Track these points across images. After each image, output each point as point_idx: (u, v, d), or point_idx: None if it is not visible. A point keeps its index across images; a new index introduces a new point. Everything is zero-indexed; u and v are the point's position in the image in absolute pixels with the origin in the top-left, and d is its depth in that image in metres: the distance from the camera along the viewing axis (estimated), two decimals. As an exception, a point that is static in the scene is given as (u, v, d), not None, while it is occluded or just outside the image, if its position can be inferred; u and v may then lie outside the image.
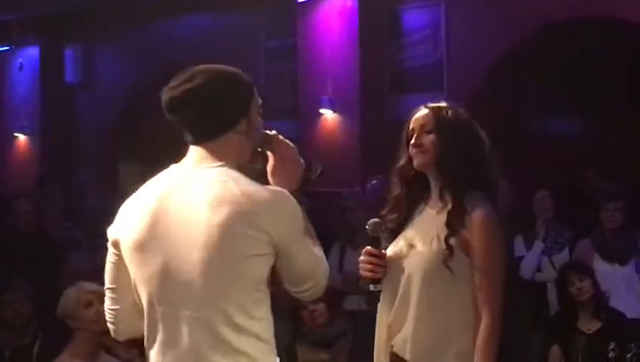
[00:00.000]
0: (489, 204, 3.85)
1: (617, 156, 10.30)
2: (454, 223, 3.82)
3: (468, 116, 4.03)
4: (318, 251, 3.32)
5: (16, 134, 14.03)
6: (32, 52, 13.98)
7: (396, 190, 4.06)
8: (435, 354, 3.85)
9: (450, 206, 3.87)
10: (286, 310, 7.06)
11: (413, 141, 3.94)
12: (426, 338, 3.83)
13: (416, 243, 3.91)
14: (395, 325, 3.93)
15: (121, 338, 3.50)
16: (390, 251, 3.97)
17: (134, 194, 3.33)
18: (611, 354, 6.37)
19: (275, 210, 3.16)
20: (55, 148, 13.56)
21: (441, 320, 3.83)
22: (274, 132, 3.41)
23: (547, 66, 10.30)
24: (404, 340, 3.88)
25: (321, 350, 6.63)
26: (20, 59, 14.11)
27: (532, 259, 8.11)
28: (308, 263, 3.27)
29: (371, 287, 3.93)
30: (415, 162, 3.96)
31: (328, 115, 10.78)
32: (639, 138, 10.76)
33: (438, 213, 3.93)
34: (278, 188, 3.27)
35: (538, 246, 8.12)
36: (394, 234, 4.00)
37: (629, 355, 6.38)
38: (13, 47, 13.97)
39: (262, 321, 3.24)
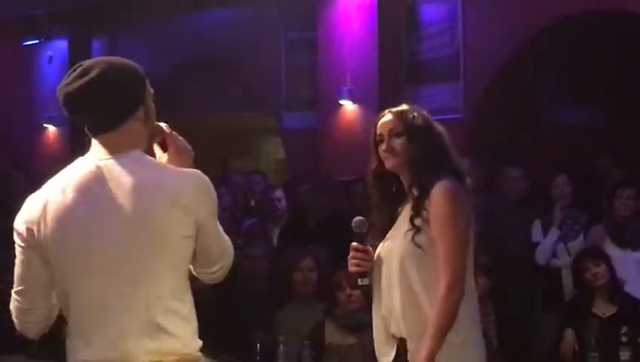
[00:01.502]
0: (450, 179, 4.02)
1: (630, 145, 10.27)
2: (418, 205, 3.98)
3: (427, 115, 4.21)
4: (224, 234, 3.32)
5: (45, 125, 14.09)
6: (61, 45, 14.02)
7: (374, 194, 4.21)
8: (425, 329, 3.92)
9: (413, 197, 4.04)
10: (312, 294, 7.10)
11: (384, 146, 4.10)
12: (414, 314, 3.98)
13: (395, 238, 4.07)
14: (388, 314, 4.05)
15: (33, 336, 3.40)
16: (378, 250, 4.13)
17: (41, 190, 3.25)
18: (624, 339, 6.35)
19: (197, 190, 3.17)
20: (83, 138, 13.54)
21: (423, 297, 3.94)
22: (164, 124, 3.39)
23: (562, 57, 10.25)
24: (396, 321, 4.04)
25: (350, 334, 6.62)
26: (49, 52, 14.15)
27: (548, 245, 8.09)
28: (220, 244, 3.27)
29: (359, 281, 4.13)
30: (387, 165, 4.12)
31: (348, 106, 10.77)
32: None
33: (409, 205, 4.08)
34: (195, 170, 3.25)
35: (554, 233, 8.09)
36: (383, 234, 4.15)
37: (641, 339, 6.36)
38: (42, 40, 14.00)
39: (189, 303, 3.23)
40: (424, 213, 3.97)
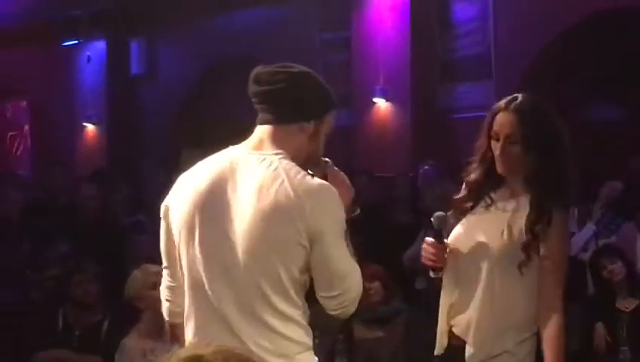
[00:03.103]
0: (566, 213, 3.78)
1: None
2: (535, 223, 3.70)
3: (557, 118, 3.79)
4: (355, 263, 3.22)
5: (84, 124, 14.14)
6: (99, 46, 14.06)
7: (475, 175, 3.89)
8: (495, 341, 3.81)
9: (528, 208, 3.74)
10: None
11: (498, 150, 3.73)
12: (489, 324, 3.77)
13: (482, 234, 3.81)
14: (457, 306, 3.89)
15: (174, 319, 3.43)
16: (454, 238, 3.89)
17: (189, 171, 3.30)
18: (656, 332, 6.31)
19: (320, 203, 3.11)
20: (121, 136, 13.67)
21: (504, 309, 3.77)
22: (327, 159, 3.38)
23: (591, 54, 10.18)
24: (467, 324, 3.83)
25: (377, 327, 6.61)
26: (87, 53, 14.19)
27: (581, 239, 8.03)
28: (341, 265, 3.16)
29: (432, 274, 3.87)
30: (499, 169, 3.78)
31: (381, 104, 10.76)
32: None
33: (509, 209, 3.81)
34: (326, 182, 3.21)
35: (590, 229, 8.04)
36: (464, 213, 3.91)
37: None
38: (81, 41, 14.05)
39: (301, 307, 3.19)
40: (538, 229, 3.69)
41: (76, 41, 14.06)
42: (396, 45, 10.65)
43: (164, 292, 3.42)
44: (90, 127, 14.13)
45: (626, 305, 6.76)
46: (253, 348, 3.07)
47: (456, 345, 3.87)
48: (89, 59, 14.17)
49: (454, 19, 10.60)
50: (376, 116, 10.81)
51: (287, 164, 3.16)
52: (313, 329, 6.64)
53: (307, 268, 3.16)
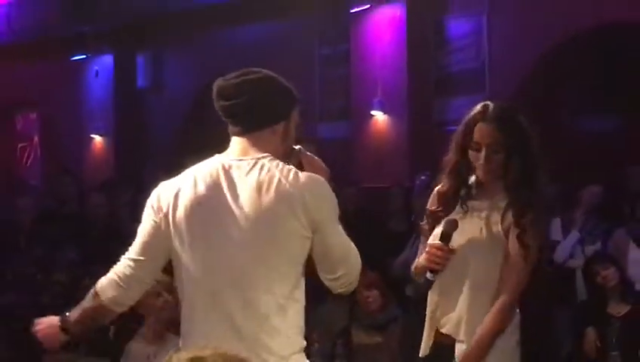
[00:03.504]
0: (537, 208, 3.81)
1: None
2: (507, 218, 3.80)
3: (528, 126, 3.87)
4: (351, 243, 3.32)
5: (92, 135, 14.19)
6: (107, 60, 14.13)
7: (446, 185, 3.97)
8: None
9: (504, 207, 3.83)
10: (341, 296, 7.09)
11: (482, 161, 3.80)
12: (480, 319, 3.83)
13: (463, 237, 3.87)
14: (444, 308, 3.92)
15: (112, 306, 3.41)
16: (436, 234, 3.93)
17: (176, 178, 3.33)
18: (646, 338, 6.33)
19: (316, 194, 3.21)
20: (128, 147, 13.71)
21: (491, 301, 3.83)
22: (299, 146, 3.45)
23: (581, 67, 10.24)
24: (457, 321, 3.89)
25: (375, 333, 6.65)
26: (95, 67, 14.26)
27: (566, 247, 8.07)
28: (342, 248, 3.28)
29: (429, 276, 3.90)
30: (482, 177, 3.87)
31: (379, 117, 10.78)
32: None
33: (484, 209, 3.89)
34: (316, 175, 3.30)
35: (574, 235, 8.08)
36: (438, 222, 3.96)
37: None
38: (89, 55, 14.12)
39: (298, 303, 3.27)
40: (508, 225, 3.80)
41: (84, 56, 14.11)
42: (393, 60, 10.68)
43: (121, 279, 3.34)
44: (97, 139, 14.18)
45: (618, 310, 6.79)
46: (253, 345, 3.12)
47: (443, 344, 3.91)
48: (97, 73, 14.23)
49: (449, 35, 10.65)
50: (374, 128, 10.84)
51: (277, 163, 3.24)
52: (313, 334, 6.68)
53: (303, 263, 3.25)
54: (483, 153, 3.79)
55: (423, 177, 9.15)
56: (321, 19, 11.43)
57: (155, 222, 3.29)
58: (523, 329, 6.21)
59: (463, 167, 3.91)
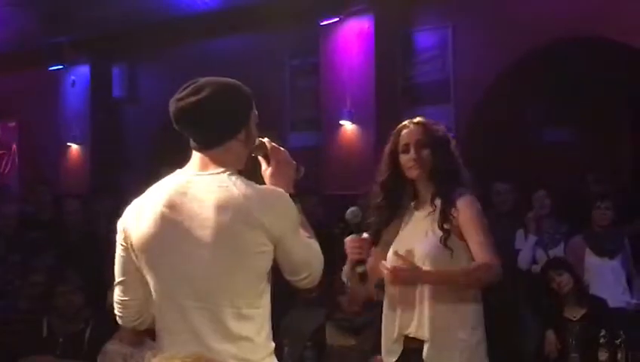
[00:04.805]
0: (468, 192, 4.03)
1: (603, 162, 10.38)
2: (446, 214, 3.96)
3: (445, 128, 4.20)
4: (314, 243, 3.31)
5: (69, 144, 14.10)
6: (83, 70, 14.04)
7: (380, 200, 4.16)
8: (451, 331, 3.88)
9: (440, 205, 4.01)
10: (315, 299, 7.09)
11: (412, 156, 4.05)
12: (442, 317, 3.88)
13: (414, 241, 4.01)
14: (406, 314, 3.96)
15: (130, 326, 3.44)
16: (391, 253, 4.05)
17: (142, 196, 3.28)
18: (602, 341, 6.36)
19: (272, 207, 3.14)
20: (104, 155, 13.65)
21: (452, 299, 3.88)
22: (266, 139, 3.40)
23: (544, 81, 10.32)
24: (419, 323, 3.96)
25: (350, 335, 6.63)
26: (72, 77, 14.16)
27: (527, 251, 8.13)
28: (303, 255, 3.25)
29: (359, 269, 3.97)
30: (411, 174, 4.08)
31: (347, 126, 10.78)
32: (621, 145, 10.83)
33: (428, 214, 4.06)
34: (272, 187, 3.27)
35: (531, 239, 8.14)
36: (378, 234, 4.12)
37: (617, 341, 6.37)
38: (66, 65, 14.02)
39: (264, 309, 3.23)
40: (451, 221, 3.95)
41: (61, 66, 14.01)
42: (362, 71, 10.70)
43: (116, 307, 3.37)
44: (74, 147, 14.08)
45: (573, 314, 6.83)
46: (223, 355, 3.07)
47: (411, 349, 3.94)
48: (74, 82, 14.14)
49: (416, 47, 10.68)
50: (343, 137, 10.84)
51: (237, 178, 3.17)
52: (283, 338, 6.65)
53: (267, 272, 3.22)
54: (412, 150, 4.04)
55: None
56: (292, 31, 11.43)
57: (123, 245, 3.26)
58: (488, 320, 6.22)
59: (395, 175, 4.14)
